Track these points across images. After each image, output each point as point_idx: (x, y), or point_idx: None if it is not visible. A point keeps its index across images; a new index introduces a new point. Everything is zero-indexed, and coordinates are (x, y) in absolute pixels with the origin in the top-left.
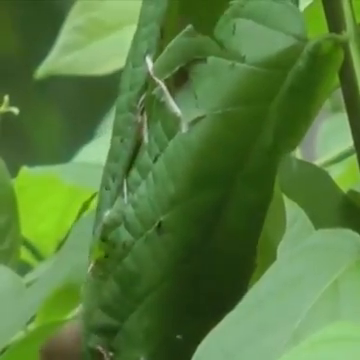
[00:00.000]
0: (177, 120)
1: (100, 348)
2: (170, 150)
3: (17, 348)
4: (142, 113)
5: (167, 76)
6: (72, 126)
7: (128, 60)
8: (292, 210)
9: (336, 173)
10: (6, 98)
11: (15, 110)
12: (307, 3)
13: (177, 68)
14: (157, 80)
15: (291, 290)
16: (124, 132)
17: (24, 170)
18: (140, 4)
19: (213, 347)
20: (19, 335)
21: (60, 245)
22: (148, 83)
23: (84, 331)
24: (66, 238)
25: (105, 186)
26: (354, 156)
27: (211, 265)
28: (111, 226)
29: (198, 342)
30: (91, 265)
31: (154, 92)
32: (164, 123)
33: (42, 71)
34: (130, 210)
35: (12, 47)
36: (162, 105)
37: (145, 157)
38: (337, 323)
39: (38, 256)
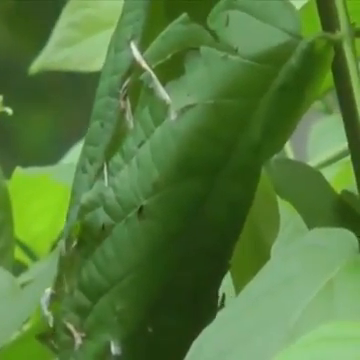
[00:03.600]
0: (166, 107)
1: (71, 327)
2: (157, 136)
3: (12, 348)
4: (125, 98)
5: (159, 63)
6: (61, 125)
7: (110, 45)
8: (286, 211)
9: (328, 175)
10: (0, 98)
11: (9, 110)
12: (302, 3)
13: (169, 56)
14: (145, 66)
15: (286, 289)
16: (105, 117)
17: (18, 171)
18: None
19: (207, 346)
20: (14, 335)
21: (54, 245)
22: (132, 69)
23: (61, 307)
24: (60, 238)
25: (82, 169)
26: (347, 158)
27: (188, 257)
28: (89, 208)
29: (173, 338)
30: (74, 243)
31: (142, 78)
32: (151, 109)
33: (36, 67)
34: (110, 193)
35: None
36: (150, 91)
37: (129, 142)
38: (332, 322)
39: (32, 256)
